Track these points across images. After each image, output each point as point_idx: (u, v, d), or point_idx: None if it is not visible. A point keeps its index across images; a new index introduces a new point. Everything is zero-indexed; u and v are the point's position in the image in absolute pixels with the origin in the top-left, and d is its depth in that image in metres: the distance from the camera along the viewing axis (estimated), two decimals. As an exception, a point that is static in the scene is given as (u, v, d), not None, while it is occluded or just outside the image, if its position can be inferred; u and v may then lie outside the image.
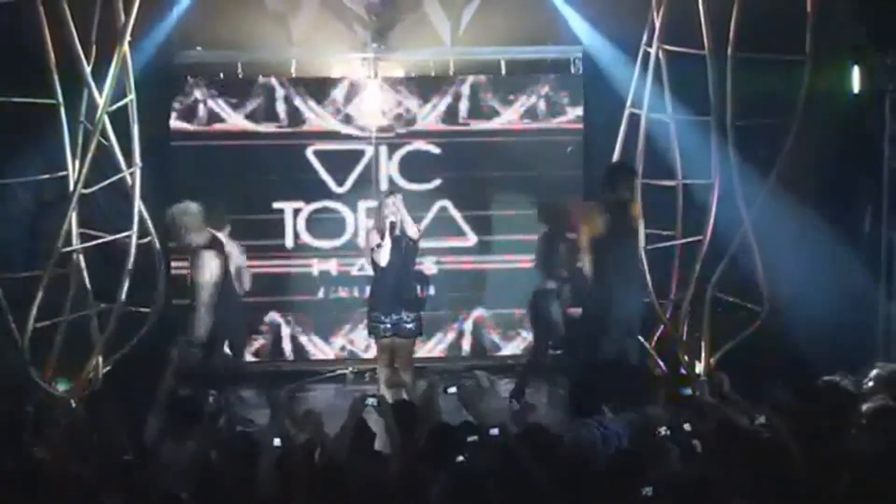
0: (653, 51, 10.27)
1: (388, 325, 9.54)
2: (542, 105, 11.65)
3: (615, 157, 10.54)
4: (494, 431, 5.97)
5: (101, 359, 10.10)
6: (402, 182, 11.43)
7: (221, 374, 9.61)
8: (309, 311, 11.69)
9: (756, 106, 9.99)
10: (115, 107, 9.73)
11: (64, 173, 9.89)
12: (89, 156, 9.58)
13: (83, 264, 10.08)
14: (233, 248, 9.79)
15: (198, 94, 11.43)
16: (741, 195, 10.00)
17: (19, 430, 6.97)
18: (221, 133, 11.49)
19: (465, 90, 11.62)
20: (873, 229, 10.77)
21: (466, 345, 11.81)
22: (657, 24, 10.22)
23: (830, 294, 10.42)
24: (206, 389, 9.76)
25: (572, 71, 11.59)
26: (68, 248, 9.83)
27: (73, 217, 9.77)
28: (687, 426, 6.27)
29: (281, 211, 11.55)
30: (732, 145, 9.94)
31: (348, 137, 11.59)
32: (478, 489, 5.68)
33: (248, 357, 11.22)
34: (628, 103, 10.55)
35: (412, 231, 9.49)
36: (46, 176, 10.11)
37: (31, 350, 9.61)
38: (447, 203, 11.65)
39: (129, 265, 9.83)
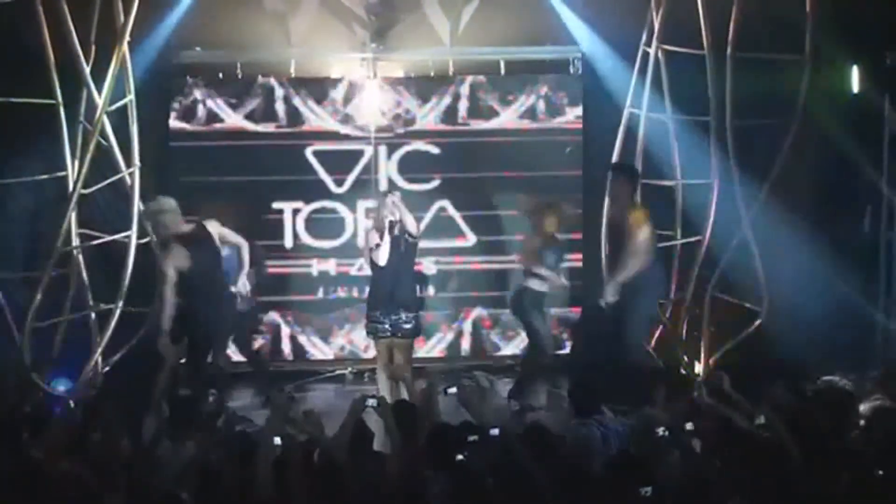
0: (652, 51, 10.28)
1: (387, 326, 9.53)
2: (541, 105, 11.64)
3: (614, 157, 10.55)
4: (495, 432, 5.97)
5: (100, 359, 10.12)
6: (401, 182, 11.41)
7: (204, 373, 9.59)
8: (308, 311, 11.69)
9: (755, 106, 9.99)
10: (114, 107, 9.75)
11: (63, 173, 9.91)
12: (88, 156, 9.59)
13: (83, 264, 10.10)
14: (233, 239, 9.72)
15: (197, 94, 11.42)
16: (740, 195, 10.01)
17: (18, 431, 6.96)
18: (221, 133, 11.48)
19: (465, 90, 11.61)
20: (872, 229, 10.77)
21: (466, 345, 11.81)
22: (656, 24, 10.23)
23: (829, 294, 10.42)
24: (205, 389, 9.79)
25: (571, 71, 11.58)
26: (68, 248, 9.85)
27: (73, 217, 9.79)
28: (689, 425, 6.26)
29: (280, 211, 11.55)
30: (732, 146, 9.95)
31: (347, 137, 11.57)
32: (478, 489, 5.68)
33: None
34: (627, 103, 10.56)
35: (412, 226, 9.47)
36: (46, 176, 10.11)
37: (30, 350, 9.64)
38: (446, 203, 11.64)
39: (129, 265, 9.86)
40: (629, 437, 6.85)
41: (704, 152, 10.25)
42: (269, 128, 11.52)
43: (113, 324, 9.91)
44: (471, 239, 11.68)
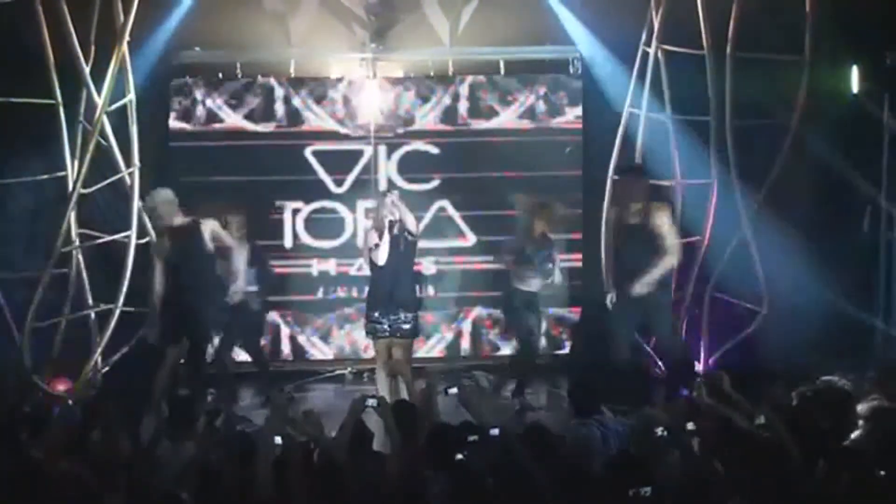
0: (651, 51, 10.28)
1: (386, 326, 9.52)
2: (540, 105, 11.64)
3: (614, 157, 10.55)
4: (495, 432, 5.97)
5: (100, 359, 10.12)
6: (400, 182, 11.41)
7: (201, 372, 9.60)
8: (308, 311, 11.69)
9: (755, 106, 10.00)
10: (114, 107, 9.75)
11: (63, 173, 9.91)
12: (88, 156, 9.60)
13: (83, 264, 10.10)
14: (226, 241, 9.75)
15: (197, 94, 11.43)
16: (740, 195, 10.01)
17: (17, 431, 6.96)
18: (220, 133, 11.48)
19: (464, 90, 11.62)
20: (872, 229, 10.77)
21: (466, 345, 11.81)
22: (656, 24, 10.23)
23: (829, 294, 10.42)
24: (204, 389, 9.80)
25: (571, 71, 11.57)
26: (68, 248, 9.86)
27: (72, 217, 9.79)
28: (691, 425, 6.26)
29: (280, 211, 11.54)
30: (731, 146, 9.96)
31: (347, 138, 11.58)
32: (478, 489, 5.68)
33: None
34: (627, 103, 10.56)
35: (412, 225, 9.46)
36: (46, 176, 10.11)
37: (30, 350, 9.64)
38: (446, 203, 11.64)
39: (129, 265, 9.87)
40: (629, 437, 6.85)
41: (704, 152, 10.26)
42: (268, 128, 11.54)
43: (113, 324, 9.92)
44: (471, 239, 11.68)
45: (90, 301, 10.19)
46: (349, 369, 11.50)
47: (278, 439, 5.86)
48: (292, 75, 11.55)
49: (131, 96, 9.97)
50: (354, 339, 11.60)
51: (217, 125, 11.48)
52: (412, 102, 11.61)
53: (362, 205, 11.54)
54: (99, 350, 10.03)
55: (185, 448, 6.61)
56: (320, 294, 11.67)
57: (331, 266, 11.65)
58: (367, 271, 9.98)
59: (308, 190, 11.58)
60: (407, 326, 9.55)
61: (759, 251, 10.08)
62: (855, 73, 10.59)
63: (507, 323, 10.75)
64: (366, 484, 5.83)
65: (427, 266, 11.46)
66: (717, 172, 10.13)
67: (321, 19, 11.44)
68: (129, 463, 6.25)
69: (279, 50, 11.48)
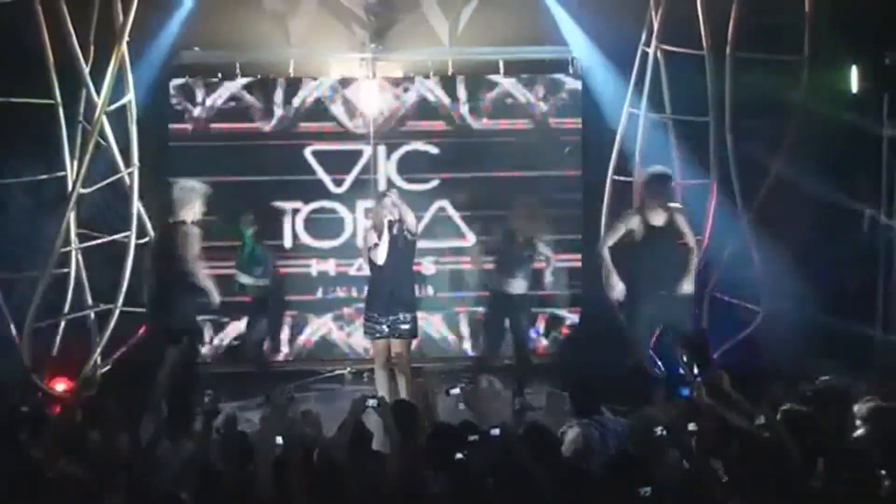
0: (651, 51, 10.28)
1: (385, 326, 9.52)
2: (540, 105, 11.65)
3: (613, 157, 10.55)
4: (495, 432, 5.97)
5: (100, 358, 10.13)
6: (400, 182, 11.41)
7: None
8: (308, 311, 11.68)
9: (755, 106, 10.00)
10: (113, 107, 9.76)
11: (63, 173, 9.92)
12: (88, 156, 9.60)
13: (83, 264, 10.11)
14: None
15: (196, 94, 11.42)
16: (739, 195, 10.01)
17: (16, 431, 6.96)
18: (220, 133, 11.48)
19: (463, 90, 11.61)
20: (872, 229, 10.77)
21: (465, 345, 11.80)
22: (655, 24, 10.23)
23: (829, 294, 10.43)
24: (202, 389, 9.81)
25: (570, 71, 11.57)
26: (68, 248, 9.87)
27: (72, 217, 9.80)
28: (692, 426, 6.26)
29: (279, 211, 11.54)
30: (731, 146, 9.96)
31: (347, 138, 11.58)
32: (478, 489, 5.68)
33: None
34: (626, 103, 10.55)
35: (412, 224, 9.45)
36: (45, 176, 10.12)
37: (30, 350, 9.65)
38: (445, 203, 11.64)
39: (128, 265, 9.87)
40: (628, 437, 6.85)
41: (703, 152, 10.27)
42: (268, 128, 11.53)
43: (112, 323, 9.93)
44: (470, 239, 11.68)
45: (90, 301, 10.19)
46: (348, 369, 11.50)
47: (279, 439, 5.86)
48: (292, 75, 11.54)
49: (131, 96, 9.98)
50: (354, 339, 11.60)
51: (216, 125, 11.48)
52: (412, 102, 11.60)
53: (362, 205, 11.54)
54: (98, 350, 10.03)
55: (184, 447, 6.61)
56: (319, 294, 11.67)
57: (330, 266, 11.65)
58: (366, 271, 9.97)
59: (307, 190, 11.58)
60: (406, 327, 9.54)
61: (758, 251, 10.07)
62: (854, 73, 10.59)
63: (483, 323, 10.72)
64: (366, 484, 5.83)
65: (427, 266, 11.46)
66: (717, 172, 10.13)
67: (321, 19, 11.44)
68: (129, 463, 6.25)
69: (279, 50, 11.48)
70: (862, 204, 10.77)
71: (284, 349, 11.64)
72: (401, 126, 11.62)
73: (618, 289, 9.71)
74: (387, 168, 11.62)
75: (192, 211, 9.20)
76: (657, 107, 10.48)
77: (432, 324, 11.62)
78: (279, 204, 11.51)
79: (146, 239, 10.00)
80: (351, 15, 11.41)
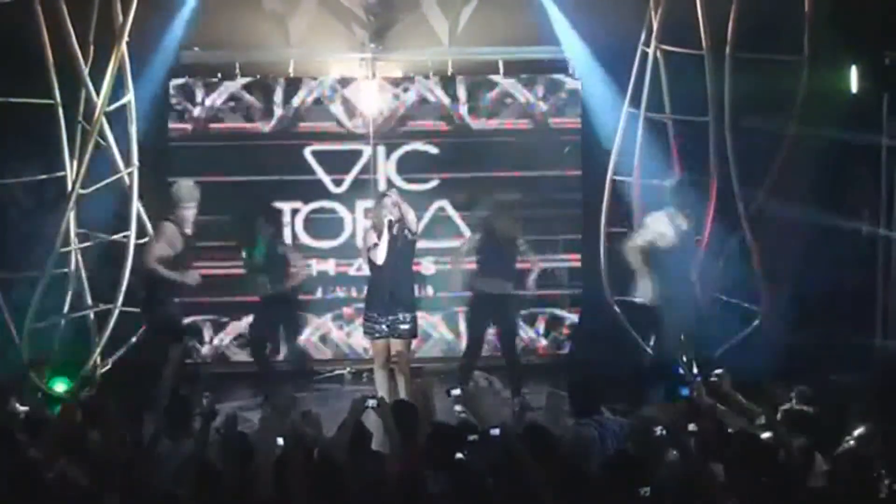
0: (651, 50, 10.28)
1: (385, 326, 9.52)
2: (539, 105, 11.64)
3: (613, 156, 10.55)
4: (495, 432, 5.97)
5: (99, 358, 10.13)
6: (399, 182, 11.40)
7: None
8: (307, 311, 11.67)
9: (754, 106, 10.00)
10: (113, 107, 9.75)
11: (62, 173, 9.92)
12: (87, 156, 9.60)
13: (82, 264, 10.10)
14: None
15: (196, 94, 11.42)
16: (739, 195, 10.01)
17: (15, 431, 6.96)
18: (219, 133, 11.47)
19: (463, 90, 11.60)
20: (871, 227, 10.76)
21: (465, 345, 11.77)
22: (655, 24, 10.22)
23: (829, 294, 10.42)
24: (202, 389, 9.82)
25: (570, 71, 11.56)
26: (67, 248, 9.87)
27: (72, 217, 9.80)
28: (692, 426, 6.27)
29: (279, 211, 11.52)
30: (731, 146, 9.96)
31: (346, 138, 11.58)
32: (478, 489, 5.68)
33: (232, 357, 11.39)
34: (626, 103, 10.54)
35: (413, 223, 9.45)
36: (45, 176, 10.12)
37: (29, 349, 9.65)
38: (445, 203, 11.63)
39: (128, 265, 9.87)
40: (628, 437, 6.85)
41: (703, 152, 10.26)
42: (267, 128, 11.52)
43: (112, 323, 9.93)
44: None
45: (89, 301, 10.19)
46: (348, 369, 11.49)
47: (280, 440, 5.86)
48: (291, 75, 11.53)
49: (130, 96, 9.98)
50: (353, 339, 11.60)
51: (216, 125, 11.48)
52: (411, 102, 11.60)
53: (361, 205, 11.52)
54: (98, 350, 10.03)
55: (184, 447, 6.61)
56: (319, 294, 11.66)
57: (330, 266, 11.64)
58: (366, 271, 9.98)
59: (307, 190, 11.57)
60: (405, 327, 9.54)
61: (758, 251, 10.07)
62: (854, 73, 10.59)
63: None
64: (366, 484, 5.83)
65: (426, 266, 11.45)
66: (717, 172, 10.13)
67: (320, 19, 11.44)
68: (129, 463, 6.25)
69: (278, 50, 11.48)
70: (861, 205, 10.77)
71: (283, 349, 11.63)
72: (400, 126, 11.61)
73: (650, 291, 9.66)
74: (386, 168, 11.60)
75: (175, 209, 9.40)
76: (657, 107, 10.47)
77: (433, 324, 11.62)
78: (279, 204, 11.49)
79: (146, 239, 10.00)
80: (351, 15, 11.41)
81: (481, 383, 10.57)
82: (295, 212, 11.58)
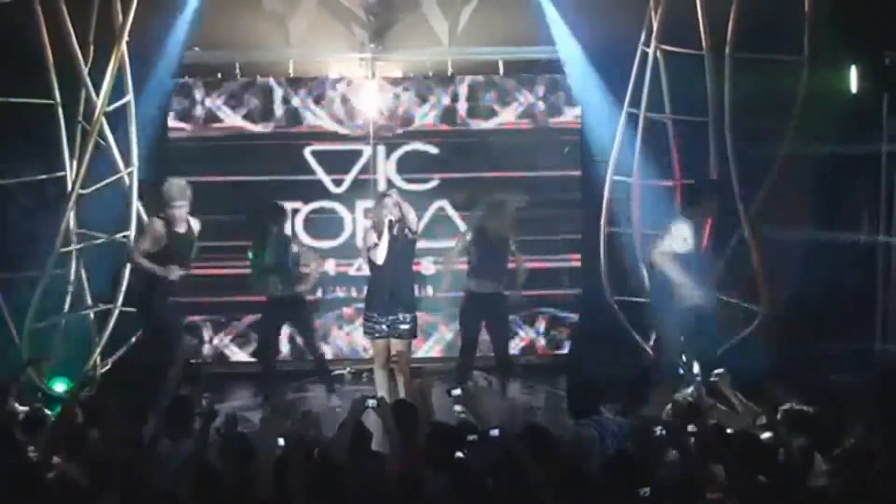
0: (651, 50, 10.28)
1: (385, 326, 9.52)
2: (539, 105, 11.64)
3: (612, 156, 10.55)
4: (495, 432, 5.97)
5: (99, 358, 10.13)
6: (399, 182, 11.40)
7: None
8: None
9: (754, 106, 10.00)
10: (112, 107, 9.76)
11: (62, 173, 9.92)
12: (87, 156, 9.61)
13: (82, 264, 10.11)
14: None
15: (195, 94, 11.42)
16: (739, 196, 10.02)
17: (14, 431, 6.96)
18: (219, 133, 11.47)
19: (463, 90, 11.61)
20: (871, 229, 10.77)
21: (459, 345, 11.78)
22: (655, 24, 10.23)
23: (828, 294, 10.42)
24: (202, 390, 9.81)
25: (565, 72, 11.54)
26: (67, 248, 9.87)
27: (71, 217, 9.80)
28: (691, 427, 6.27)
29: (289, 211, 11.48)
30: (731, 146, 9.97)
31: (346, 138, 11.58)
32: (477, 488, 5.68)
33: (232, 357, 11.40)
34: (626, 103, 10.54)
35: (413, 222, 9.45)
36: (45, 176, 10.13)
37: (29, 349, 9.65)
38: (445, 203, 11.63)
39: (128, 265, 9.88)
40: (628, 437, 6.86)
41: (702, 152, 10.27)
42: (267, 128, 11.52)
43: (112, 323, 9.93)
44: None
45: (89, 301, 10.19)
46: (348, 369, 11.48)
47: (281, 441, 5.86)
48: (291, 75, 11.54)
49: (130, 96, 9.98)
50: (353, 339, 11.60)
51: (216, 125, 11.48)
52: (411, 102, 11.60)
53: (361, 205, 11.52)
54: (98, 350, 10.04)
55: (184, 447, 6.61)
56: (319, 294, 11.66)
57: (329, 266, 11.64)
58: (366, 271, 9.98)
59: (307, 190, 11.57)
60: (405, 327, 9.54)
61: (757, 251, 10.07)
62: (854, 73, 10.59)
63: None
64: (366, 484, 5.83)
65: (426, 266, 11.45)
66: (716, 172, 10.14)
67: (320, 19, 11.44)
68: (129, 462, 6.25)
69: (278, 50, 11.48)
70: (861, 207, 10.78)
71: (284, 349, 11.63)
72: (400, 126, 11.62)
73: (695, 293, 9.62)
74: (386, 168, 11.61)
75: (166, 208, 9.42)
76: (657, 107, 10.47)
77: (434, 324, 11.62)
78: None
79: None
80: (350, 15, 11.41)
81: (481, 383, 10.57)
82: (295, 212, 11.57)
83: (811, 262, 10.51)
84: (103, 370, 10.17)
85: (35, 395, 9.59)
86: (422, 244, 10.17)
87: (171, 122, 11.36)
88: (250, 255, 10.34)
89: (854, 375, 9.25)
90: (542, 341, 11.83)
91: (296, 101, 11.51)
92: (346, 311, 11.64)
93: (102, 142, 9.83)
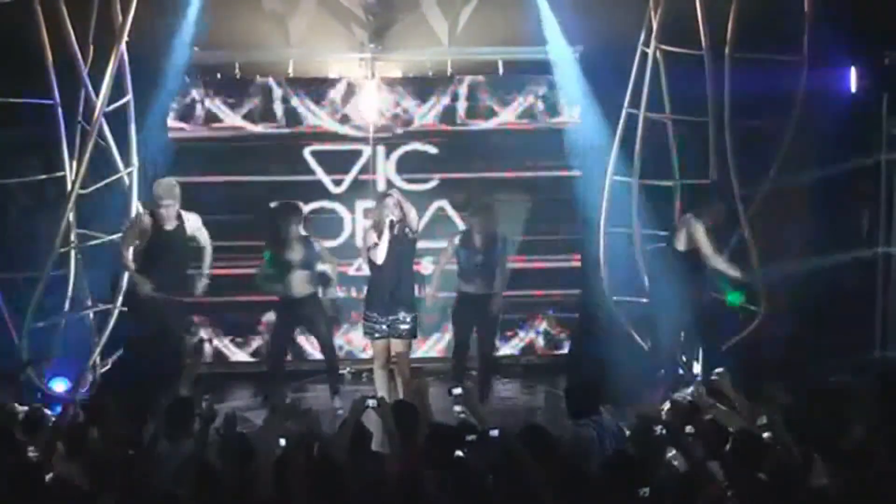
0: (650, 50, 10.27)
1: (384, 326, 9.53)
2: (539, 105, 11.64)
3: (612, 156, 10.54)
4: (494, 433, 5.97)
5: (99, 358, 10.13)
6: (399, 182, 11.40)
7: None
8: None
9: (754, 106, 10.00)
10: (112, 107, 9.76)
11: (62, 173, 9.92)
12: (87, 156, 9.61)
13: (82, 264, 10.11)
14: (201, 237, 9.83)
15: (195, 94, 11.41)
16: (738, 196, 10.02)
17: (14, 431, 6.96)
18: (219, 133, 11.46)
19: (463, 90, 11.60)
20: (870, 228, 10.78)
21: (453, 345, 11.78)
22: (655, 24, 10.22)
23: (828, 294, 10.43)
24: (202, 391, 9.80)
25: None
26: (67, 248, 9.87)
27: (71, 217, 9.80)
28: (689, 428, 6.26)
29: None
30: (730, 146, 9.97)
31: (346, 138, 11.57)
32: (477, 488, 5.68)
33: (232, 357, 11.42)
34: (626, 103, 10.53)
35: (414, 222, 9.46)
36: (45, 176, 10.13)
37: (29, 350, 9.66)
38: (444, 203, 11.63)
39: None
40: (628, 437, 6.86)
41: (702, 152, 10.27)
42: (267, 128, 11.52)
43: (112, 323, 9.93)
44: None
45: (89, 301, 10.19)
46: (348, 369, 11.48)
47: (282, 441, 5.86)
48: (291, 75, 11.53)
49: (129, 96, 9.98)
50: (353, 339, 11.59)
51: (215, 125, 11.47)
52: (411, 102, 11.60)
53: (361, 205, 11.53)
54: (98, 350, 10.04)
55: (184, 447, 6.61)
56: (319, 294, 11.63)
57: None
58: (366, 271, 9.98)
59: (306, 190, 11.55)
60: (405, 327, 9.55)
61: (757, 251, 10.07)
62: (854, 73, 10.59)
63: (452, 324, 10.68)
64: (366, 484, 5.83)
65: (426, 266, 11.45)
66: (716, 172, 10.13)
67: (320, 19, 11.44)
68: (129, 462, 6.26)
69: (278, 50, 11.47)
70: (861, 203, 10.78)
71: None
72: (400, 126, 11.61)
73: (729, 267, 9.70)
74: (386, 168, 11.61)
75: (155, 207, 9.47)
76: (656, 107, 10.46)
77: (433, 324, 11.62)
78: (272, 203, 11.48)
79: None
80: (350, 15, 11.41)
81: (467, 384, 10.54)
82: (295, 212, 11.56)
83: (811, 260, 10.52)
84: (103, 370, 10.16)
85: (35, 395, 9.59)
86: (421, 244, 10.17)
87: (171, 122, 11.35)
88: (267, 255, 10.23)
89: (854, 376, 9.25)
90: (541, 341, 11.83)
91: (295, 101, 11.50)
92: (346, 311, 11.62)
93: (102, 142, 9.83)
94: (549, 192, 11.34)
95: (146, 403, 7.36)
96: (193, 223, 9.68)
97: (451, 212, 11.62)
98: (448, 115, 11.61)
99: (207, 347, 11.56)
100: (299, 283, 10.08)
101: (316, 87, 11.55)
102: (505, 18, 11.26)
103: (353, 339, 11.58)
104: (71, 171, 9.85)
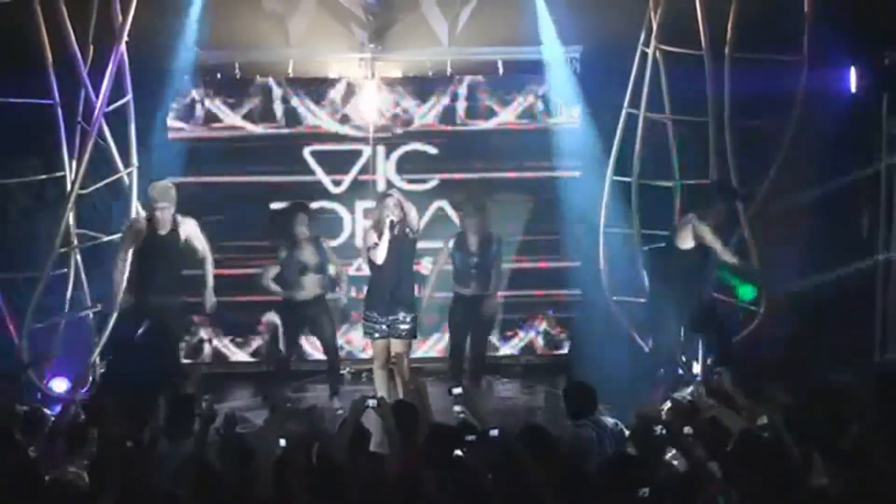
0: (650, 50, 10.28)
1: (384, 326, 9.52)
2: (539, 105, 11.64)
3: (612, 156, 10.54)
4: (494, 433, 5.97)
5: (98, 358, 10.14)
6: (399, 182, 11.41)
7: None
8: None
9: (754, 106, 10.00)
10: (112, 107, 9.76)
11: (62, 174, 9.93)
12: (87, 156, 9.61)
13: (81, 264, 10.11)
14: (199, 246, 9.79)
15: (195, 94, 11.41)
16: (738, 195, 10.02)
17: (14, 431, 6.96)
18: (219, 133, 11.46)
19: (463, 90, 11.61)
20: (870, 229, 10.78)
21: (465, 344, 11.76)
22: (654, 24, 10.23)
23: (828, 294, 10.43)
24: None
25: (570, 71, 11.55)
26: (66, 248, 9.87)
27: (71, 217, 9.80)
28: (688, 429, 6.26)
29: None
30: (730, 146, 9.97)
31: (346, 138, 11.58)
32: (477, 488, 5.68)
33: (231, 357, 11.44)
34: (625, 103, 10.54)
35: (415, 221, 9.45)
36: (45, 176, 10.13)
37: (29, 350, 9.66)
38: (444, 203, 11.63)
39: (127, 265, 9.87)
40: (628, 437, 6.86)
41: (702, 152, 10.27)
42: (267, 128, 11.52)
43: (111, 323, 9.93)
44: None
45: (89, 301, 10.19)
46: (347, 369, 11.48)
47: (282, 441, 5.86)
48: (291, 75, 11.54)
49: (129, 97, 9.99)
50: (353, 339, 11.59)
51: (215, 125, 11.47)
52: (411, 102, 11.60)
53: (361, 205, 11.54)
54: (97, 350, 10.04)
55: (184, 447, 6.61)
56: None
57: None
58: (366, 271, 9.98)
59: (306, 190, 11.55)
60: (405, 327, 9.54)
61: (757, 251, 10.07)
62: (854, 73, 10.59)
63: (448, 325, 10.67)
64: (366, 484, 5.83)
65: (426, 266, 11.44)
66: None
67: (320, 19, 11.44)
68: (129, 462, 6.25)
69: (278, 50, 11.48)
70: (861, 203, 10.78)
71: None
72: (400, 126, 11.61)
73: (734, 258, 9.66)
74: (386, 168, 11.61)
75: (151, 209, 9.46)
76: (656, 107, 10.47)
77: (433, 324, 11.61)
78: (278, 204, 11.48)
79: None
80: (350, 15, 11.41)
81: (482, 384, 10.56)
82: (294, 211, 11.56)
83: (811, 260, 10.51)
84: (103, 370, 10.16)
85: (35, 395, 9.59)
86: (421, 244, 10.16)
87: (171, 122, 11.35)
88: (283, 255, 10.24)
89: (853, 376, 9.24)
90: (541, 341, 11.83)
91: (295, 102, 11.51)
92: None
93: (102, 142, 9.84)
94: (549, 192, 11.34)
95: (146, 403, 7.37)
96: (189, 229, 9.63)
97: (450, 212, 11.61)
98: (448, 115, 11.61)
99: (207, 348, 11.56)
100: (311, 285, 10.11)
101: (316, 87, 11.56)
102: (505, 18, 11.27)
103: (353, 339, 11.58)
104: (71, 172, 9.85)
